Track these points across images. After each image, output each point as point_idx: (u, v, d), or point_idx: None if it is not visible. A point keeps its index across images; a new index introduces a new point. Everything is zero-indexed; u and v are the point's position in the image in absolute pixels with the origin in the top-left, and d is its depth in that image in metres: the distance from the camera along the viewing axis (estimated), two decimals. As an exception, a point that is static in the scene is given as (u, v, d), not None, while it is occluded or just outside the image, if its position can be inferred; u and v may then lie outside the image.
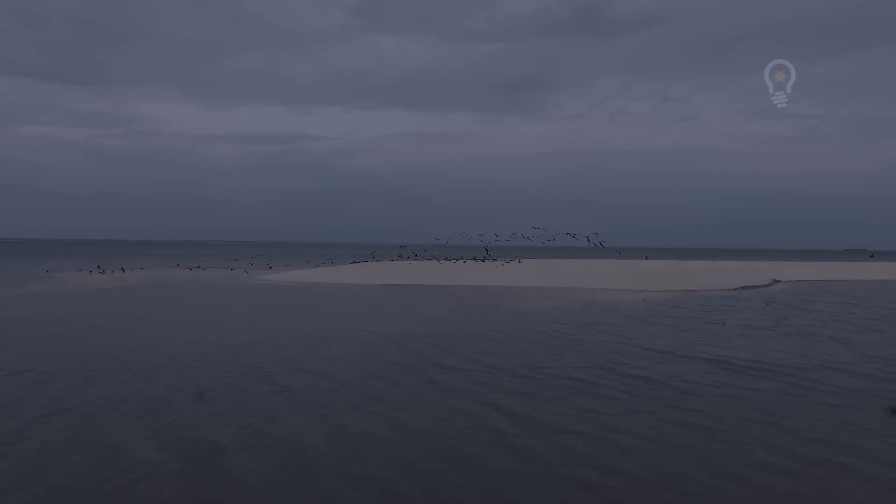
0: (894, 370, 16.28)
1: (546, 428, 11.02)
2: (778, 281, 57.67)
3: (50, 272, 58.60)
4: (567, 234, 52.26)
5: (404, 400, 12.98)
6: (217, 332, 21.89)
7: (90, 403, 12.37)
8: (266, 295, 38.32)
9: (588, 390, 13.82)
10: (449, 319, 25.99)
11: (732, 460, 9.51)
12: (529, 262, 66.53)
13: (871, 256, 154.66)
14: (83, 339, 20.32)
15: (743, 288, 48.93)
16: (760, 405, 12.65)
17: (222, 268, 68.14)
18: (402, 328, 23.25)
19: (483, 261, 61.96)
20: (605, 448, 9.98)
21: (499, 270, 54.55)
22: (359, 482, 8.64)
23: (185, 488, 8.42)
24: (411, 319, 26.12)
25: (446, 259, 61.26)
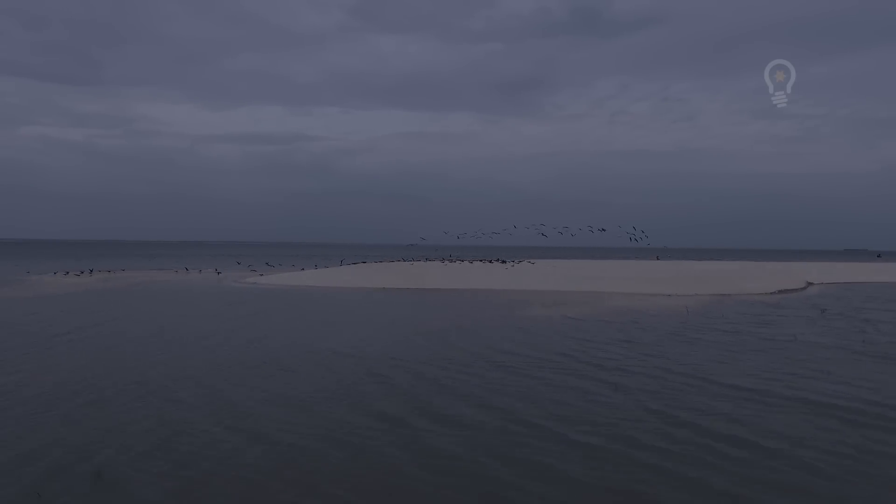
0: None
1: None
2: (811, 284, 52.70)
3: (30, 273, 54.57)
4: (599, 229, 46.78)
5: (373, 487, 8.12)
6: (158, 349, 17.13)
7: None
8: (245, 301, 33.55)
9: (666, 471, 8.89)
10: (452, 336, 21.09)
11: None
12: (542, 262, 61.42)
13: (879, 256, 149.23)
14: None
15: (780, 292, 43.93)
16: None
17: (212, 270, 63.55)
18: (392, 349, 18.39)
19: (491, 262, 57.04)
20: None
21: (509, 272, 49.61)
22: None
23: None
24: (405, 335, 21.24)
25: (451, 259, 56.44)
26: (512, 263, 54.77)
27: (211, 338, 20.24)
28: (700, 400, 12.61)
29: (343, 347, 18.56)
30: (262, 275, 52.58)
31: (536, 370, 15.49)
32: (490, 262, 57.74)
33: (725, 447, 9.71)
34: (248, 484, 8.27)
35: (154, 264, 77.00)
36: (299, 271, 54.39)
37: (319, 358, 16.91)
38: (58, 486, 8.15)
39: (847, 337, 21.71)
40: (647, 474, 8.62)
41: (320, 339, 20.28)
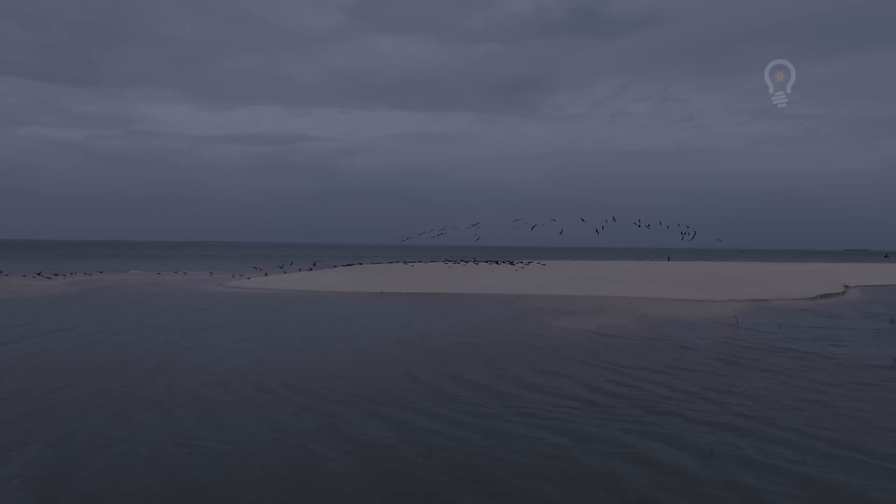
0: None
1: None
2: (848, 287, 48.07)
3: (0, 274, 50.66)
4: (646, 225, 41.73)
5: None
6: (70, 372, 12.73)
7: None
8: (213, 307, 29.18)
9: None
10: (453, 362, 16.59)
11: None
12: (553, 263, 56.82)
13: (886, 256, 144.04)
14: None
15: (822, 297, 39.36)
16: None
17: (201, 271, 59.38)
18: (371, 386, 13.88)
19: (498, 263, 52.55)
20: None
21: (518, 275, 45.08)
22: None
23: None
24: (391, 362, 16.74)
25: (455, 261, 51.98)
26: (521, 264, 50.30)
27: (149, 359, 15.80)
28: (820, 472, 8.08)
29: (308, 380, 14.09)
30: (249, 278, 48.24)
31: (568, 421, 10.98)
32: (497, 263, 53.29)
33: None
34: None
35: (140, 266, 72.77)
36: (288, 274, 49.86)
37: (267, 400, 12.44)
38: None
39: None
40: None
41: (278, 367, 15.82)
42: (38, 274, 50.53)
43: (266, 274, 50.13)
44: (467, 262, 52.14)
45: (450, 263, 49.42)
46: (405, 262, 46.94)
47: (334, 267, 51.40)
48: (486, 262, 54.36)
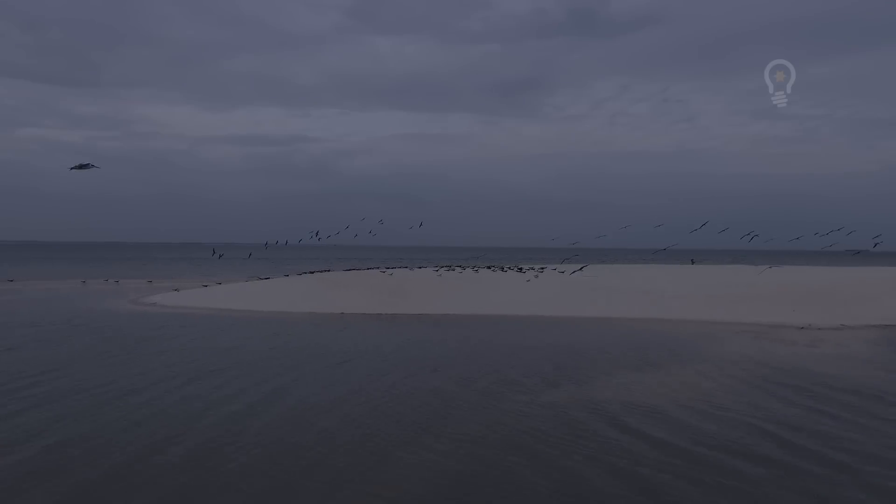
0: None
1: None
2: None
3: None
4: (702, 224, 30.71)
5: None
6: None
7: None
8: (74, 337, 18.48)
9: None
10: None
11: None
12: (572, 269, 45.65)
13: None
14: None
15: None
16: None
17: (141, 279, 48.74)
18: None
19: (504, 270, 41.72)
20: None
21: (532, 286, 34.31)
22: None
23: None
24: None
25: (449, 267, 41.12)
26: (534, 271, 39.65)
27: None
28: None
29: None
30: (177, 289, 37.27)
31: None
32: (503, 269, 42.44)
33: None
34: None
35: (98, 272, 61.15)
36: (228, 285, 38.47)
37: None
38: None
39: None
40: None
41: None
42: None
43: (205, 286, 39.03)
44: (464, 268, 41.37)
45: (440, 270, 38.67)
46: (383, 270, 36.17)
47: (298, 275, 40.41)
48: (489, 267, 43.65)
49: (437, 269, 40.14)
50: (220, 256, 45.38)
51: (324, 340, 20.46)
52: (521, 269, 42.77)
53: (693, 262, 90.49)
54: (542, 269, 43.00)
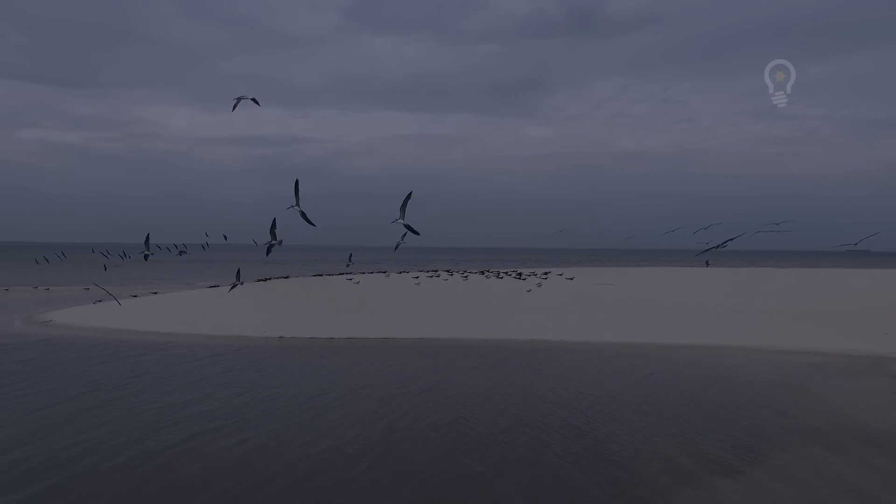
0: None
1: None
2: None
3: None
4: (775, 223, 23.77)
5: None
6: None
7: None
8: None
9: None
10: None
11: None
12: (581, 273, 38.56)
13: None
14: None
15: None
16: None
17: (79, 286, 42.00)
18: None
19: (500, 276, 34.74)
20: None
21: (535, 296, 27.41)
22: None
23: None
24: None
25: (434, 273, 34.22)
26: (536, 278, 32.79)
27: None
28: None
29: None
30: (100, 300, 30.32)
31: None
32: (499, 275, 35.50)
33: None
34: None
35: (64, 278, 54.05)
36: (157, 296, 31.40)
37: None
38: None
39: None
40: None
41: None
42: None
43: (134, 296, 31.99)
44: (451, 273, 34.53)
45: (420, 277, 31.63)
46: (349, 278, 29.14)
47: (257, 281, 33.49)
48: (481, 272, 36.82)
49: (416, 276, 32.89)
50: (180, 254, 38.75)
51: (198, 393, 13.57)
52: (520, 274, 35.79)
53: (707, 265, 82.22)
54: (546, 274, 36.07)
